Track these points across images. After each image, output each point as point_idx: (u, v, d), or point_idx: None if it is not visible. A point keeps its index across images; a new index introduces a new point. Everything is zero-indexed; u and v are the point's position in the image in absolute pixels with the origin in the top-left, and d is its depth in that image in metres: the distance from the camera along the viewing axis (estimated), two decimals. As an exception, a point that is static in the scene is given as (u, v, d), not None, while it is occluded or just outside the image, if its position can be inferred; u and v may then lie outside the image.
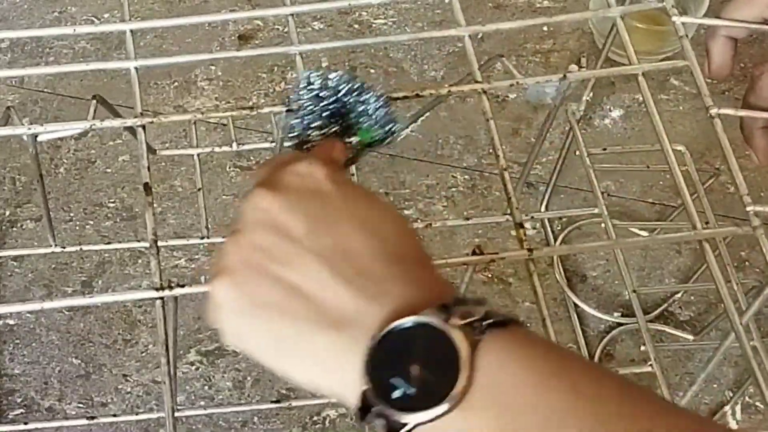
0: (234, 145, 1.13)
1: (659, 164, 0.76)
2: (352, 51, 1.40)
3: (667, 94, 1.36)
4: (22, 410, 1.15)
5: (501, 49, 1.36)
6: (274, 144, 0.93)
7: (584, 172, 1.13)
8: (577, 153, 1.13)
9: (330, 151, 0.67)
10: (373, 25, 1.44)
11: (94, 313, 1.21)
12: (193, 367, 1.18)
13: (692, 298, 1.23)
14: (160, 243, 0.71)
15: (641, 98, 0.77)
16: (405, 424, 0.50)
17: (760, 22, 0.80)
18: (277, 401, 1.02)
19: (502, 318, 0.52)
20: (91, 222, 1.27)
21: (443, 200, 1.29)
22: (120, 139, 1.32)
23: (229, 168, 1.31)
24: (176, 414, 1.02)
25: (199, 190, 1.13)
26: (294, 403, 1.06)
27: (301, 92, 0.70)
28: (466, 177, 1.30)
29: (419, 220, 1.25)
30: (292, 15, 0.82)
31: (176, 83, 1.38)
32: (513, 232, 0.72)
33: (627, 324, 1.21)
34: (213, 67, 1.39)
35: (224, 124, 1.32)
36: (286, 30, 1.41)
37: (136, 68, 0.80)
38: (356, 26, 1.44)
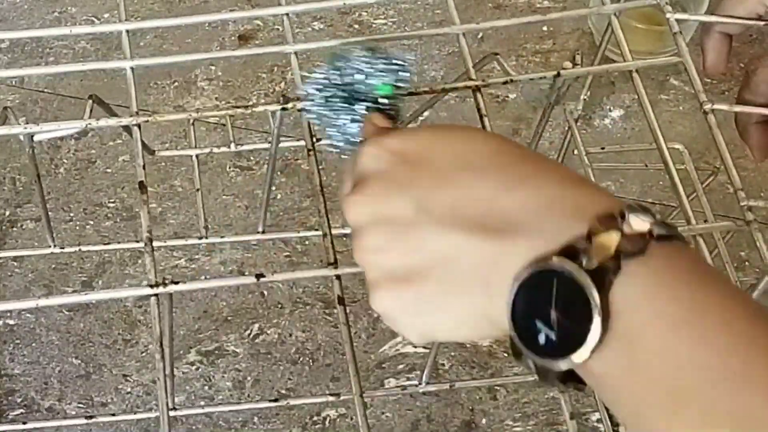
0: (232, 145, 1.13)
1: (658, 163, 0.76)
2: (351, 51, 1.40)
3: (666, 95, 1.36)
4: (22, 410, 1.15)
5: (501, 50, 1.36)
6: (269, 144, 0.93)
7: (584, 171, 1.13)
8: (576, 152, 1.13)
9: (374, 126, 0.66)
10: (373, 25, 1.44)
11: (94, 313, 1.21)
12: (193, 367, 1.18)
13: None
14: (159, 243, 0.71)
15: (638, 95, 0.77)
16: (551, 369, 0.50)
17: (755, 18, 0.80)
18: (276, 400, 1.02)
19: (638, 248, 0.49)
20: (91, 222, 1.27)
21: (443, 200, 1.29)
22: (120, 140, 1.33)
23: (229, 168, 1.31)
24: (176, 413, 1.03)
25: (197, 190, 1.13)
26: (293, 402, 1.06)
27: (314, 101, 0.70)
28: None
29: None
30: (287, 15, 0.83)
31: (176, 83, 1.38)
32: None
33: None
34: (213, 68, 1.39)
35: (224, 125, 1.32)
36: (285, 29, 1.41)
37: (132, 68, 0.80)
38: (356, 26, 1.44)
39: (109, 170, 1.31)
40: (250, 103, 1.36)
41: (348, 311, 0.69)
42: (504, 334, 0.53)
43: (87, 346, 1.19)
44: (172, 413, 0.70)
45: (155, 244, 0.71)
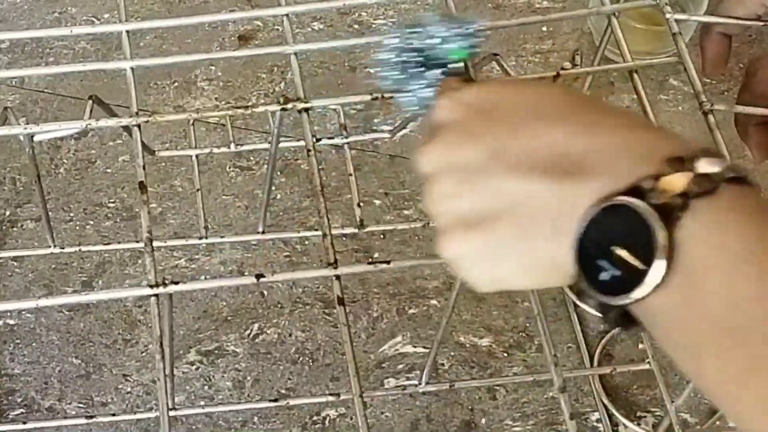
0: (232, 145, 1.13)
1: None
2: (351, 51, 1.41)
3: (666, 95, 1.36)
4: (22, 410, 1.15)
5: (501, 50, 1.36)
6: (270, 144, 0.94)
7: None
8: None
9: (449, 87, 0.67)
10: (373, 26, 1.44)
11: (94, 313, 1.21)
12: (193, 367, 1.18)
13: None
14: (159, 243, 0.71)
15: (637, 95, 0.77)
16: (614, 306, 0.51)
17: (754, 19, 0.80)
18: (276, 400, 1.02)
19: (707, 189, 0.50)
20: (91, 222, 1.27)
21: (443, 200, 1.29)
22: (120, 140, 1.33)
23: (229, 168, 1.31)
24: (176, 413, 1.03)
25: (197, 190, 1.13)
26: (292, 402, 1.06)
27: (388, 66, 0.70)
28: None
29: (418, 220, 1.25)
30: (287, 15, 0.83)
31: (176, 83, 1.38)
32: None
33: (626, 324, 1.21)
34: (213, 68, 1.39)
35: (224, 125, 1.32)
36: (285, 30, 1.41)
37: (132, 68, 0.81)
38: (356, 26, 1.44)
39: (109, 170, 1.31)
40: (250, 103, 1.36)
41: (347, 311, 0.69)
42: (567, 279, 0.54)
43: (87, 345, 1.19)
44: (172, 413, 0.71)
45: (155, 244, 0.71)
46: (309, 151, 0.75)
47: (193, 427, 1.14)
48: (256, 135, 1.33)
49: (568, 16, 0.86)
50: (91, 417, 1.00)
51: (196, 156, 1.14)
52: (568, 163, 0.54)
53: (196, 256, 1.25)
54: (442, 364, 1.18)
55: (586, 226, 0.52)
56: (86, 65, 0.84)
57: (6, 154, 1.31)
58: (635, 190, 0.50)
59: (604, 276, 0.51)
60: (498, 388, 1.17)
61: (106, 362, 1.18)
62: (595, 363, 1.18)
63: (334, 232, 0.72)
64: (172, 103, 1.36)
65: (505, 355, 1.19)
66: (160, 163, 1.30)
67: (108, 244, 1.23)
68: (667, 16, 0.77)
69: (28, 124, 0.79)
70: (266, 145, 1.18)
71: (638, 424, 1.15)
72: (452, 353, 1.19)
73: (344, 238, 1.25)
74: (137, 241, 1.23)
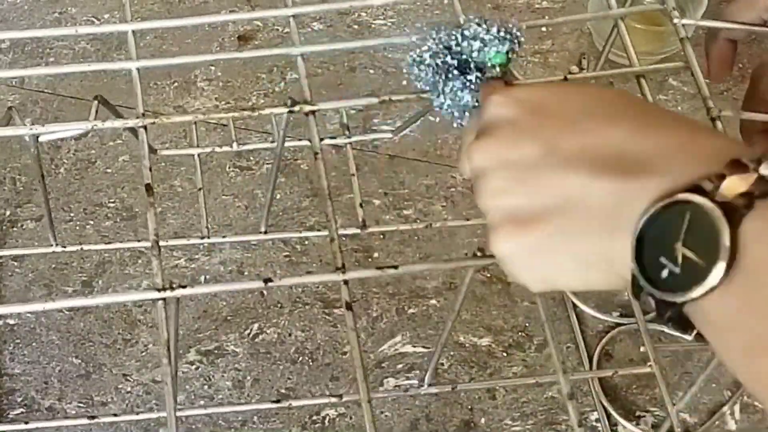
0: (234, 145, 1.13)
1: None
2: (351, 51, 1.41)
3: (665, 95, 1.36)
4: (22, 410, 1.15)
5: (500, 50, 1.36)
6: (275, 144, 0.94)
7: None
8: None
9: (492, 90, 0.66)
10: (373, 26, 1.44)
11: (94, 312, 1.21)
12: (193, 367, 1.18)
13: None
14: (161, 243, 0.71)
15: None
16: (673, 304, 0.50)
17: (760, 24, 0.80)
18: (277, 401, 1.02)
19: None
20: (92, 222, 1.27)
21: (442, 200, 1.29)
22: (120, 140, 1.33)
23: (229, 168, 1.31)
24: (178, 414, 1.03)
25: (199, 190, 1.13)
26: (294, 403, 1.06)
27: (425, 67, 0.70)
28: (466, 177, 1.30)
29: (418, 221, 1.25)
30: (293, 16, 0.83)
31: (176, 83, 1.38)
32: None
33: (626, 324, 1.21)
34: (213, 68, 1.39)
35: (224, 125, 1.32)
36: (285, 30, 1.41)
37: (138, 69, 0.80)
38: (356, 26, 1.44)
39: (109, 170, 1.31)
40: (251, 103, 1.36)
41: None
42: (618, 280, 0.54)
43: (87, 345, 1.19)
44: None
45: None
46: (316, 154, 0.75)
47: (193, 426, 1.14)
48: (256, 135, 1.33)
49: (572, 19, 0.86)
50: (93, 417, 0.99)
51: (198, 155, 1.14)
52: (627, 162, 0.53)
53: (196, 256, 1.25)
54: (442, 364, 1.18)
55: (646, 223, 0.51)
56: (90, 65, 0.84)
57: (6, 154, 1.31)
58: (697, 189, 0.50)
59: (663, 273, 0.51)
60: (497, 387, 1.18)
61: (106, 362, 1.18)
62: (594, 363, 1.19)
63: (338, 233, 0.72)
64: (172, 103, 1.36)
65: (505, 354, 1.19)
66: (160, 163, 1.29)
67: (108, 243, 1.23)
68: (675, 20, 0.77)
69: (29, 124, 0.78)
70: (268, 145, 1.18)
71: (637, 424, 1.15)
72: (452, 353, 1.19)
73: (344, 239, 1.25)
74: (137, 241, 1.23)
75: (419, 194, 1.30)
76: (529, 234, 0.56)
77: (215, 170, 1.30)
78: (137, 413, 1.14)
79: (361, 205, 1.08)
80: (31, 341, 1.19)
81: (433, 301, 1.22)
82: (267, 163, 1.31)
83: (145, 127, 0.77)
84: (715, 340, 0.51)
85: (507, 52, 0.69)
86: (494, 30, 0.68)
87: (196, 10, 1.44)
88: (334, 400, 0.97)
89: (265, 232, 1.12)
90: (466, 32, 0.68)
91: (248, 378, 1.18)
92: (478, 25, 0.68)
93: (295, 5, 0.85)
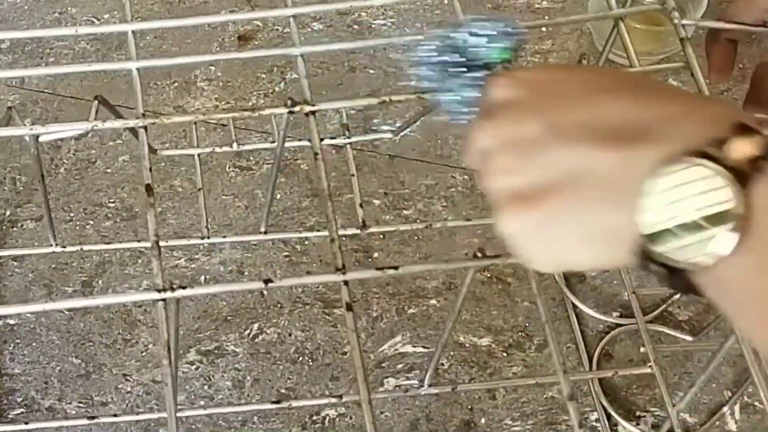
0: (234, 145, 1.13)
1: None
2: (351, 51, 1.41)
3: (665, 95, 1.36)
4: (22, 410, 1.15)
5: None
6: (275, 144, 0.94)
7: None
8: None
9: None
10: (373, 26, 1.44)
11: (94, 313, 1.21)
12: (193, 367, 1.18)
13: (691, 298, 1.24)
14: (161, 243, 0.71)
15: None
16: (683, 270, 0.50)
17: (760, 25, 0.80)
18: (277, 401, 1.02)
19: None
20: (91, 222, 1.27)
21: (442, 200, 1.29)
22: (120, 140, 1.33)
23: (229, 168, 1.31)
24: (178, 414, 1.03)
25: (199, 190, 1.13)
26: (294, 404, 1.06)
27: (428, 65, 0.70)
28: (466, 177, 1.31)
29: (419, 221, 1.25)
30: (293, 17, 0.83)
31: (176, 83, 1.38)
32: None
33: (626, 324, 1.21)
34: (213, 68, 1.39)
35: (224, 125, 1.32)
36: (285, 30, 1.41)
37: (138, 69, 0.80)
38: (355, 26, 1.44)
39: (109, 170, 1.31)
40: (251, 104, 1.36)
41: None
42: (628, 252, 0.53)
43: (87, 345, 1.19)
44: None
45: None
46: (316, 154, 0.75)
47: (193, 426, 1.14)
48: (256, 135, 1.33)
49: (573, 20, 0.86)
50: (93, 418, 0.99)
51: (198, 155, 1.14)
52: (630, 131, 0.53)
53: (196, 256, 1.25)
54: (442, 364, 1.18)
55: (653, 189, 0.50)
56: (90, 65, 0.84)
57: (6, 154, 1.31)
58: (704, 155, 0.49)
59: (673, 240, 0.50)
60: (497, 387, 1.18)
61: (106, 362, 1.18)
62: (594, 363, 1.19)
63: (338, 234, 0.72)
64: (172, 103, 1.36)
65: (505, 354, 1.19)
66: (160, 163, 1.29)
67: (108, 243, 1.23)
68: (675, 21, 0.77)
69: (29, 124, 0.78)
70: (268, 145, 1.18)
71: (637, 424, 1.15)
72: (452, 353, 1.19)
73: (344, 239, 1.25)
74: (137, 241, 1.23)
75: (419, 194, 1.30)
76: (536, 210, 0.55)
77: (215, 170, 1.30)
78: (137, 413, 1.14)
79: (361, 205, 1.08)
80: (31, 341, 1.19)
81: (433, 301, 1.22)
82: (267, 163, 1.30)
83: (145, 128, 0.77)
84: (729, 307, 0.50)
85: (512, 48, 0.68)
86: (499, 26, 0.68)
87: (196, 10, 1.44)
88: (334, 400, 0.98)
89: (265, 232, 1.12)
90: (472, 30, 0.68)
91: (248, 378, 1.18)
92: (483, 22, 0.68)
93: (295, 5, 0.85)
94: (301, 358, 1.19)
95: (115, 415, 1.12)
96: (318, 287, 1.23)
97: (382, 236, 1.26)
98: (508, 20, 0.69)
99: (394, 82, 1.38)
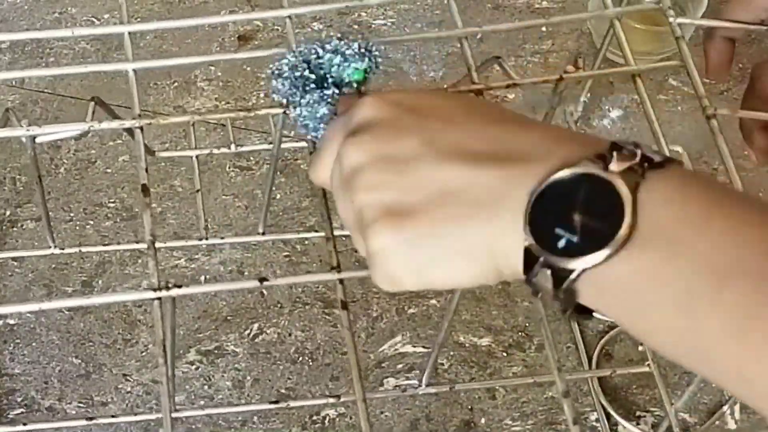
0: (233, 146, 1.13)
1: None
2: (351, 51, 1.40)
3: (665, 95, 1.36)
4: (22, 410, 1.15)
5: (500, 50, 1.36)
6: (272, 145, 0.94)
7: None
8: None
9: (348, 103, 0.66)
10: (373, 26, 1.44)
11: (94, 313, 1.21)
12: (193, 367, 1.18)
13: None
14: (159, 243, 0.71)
15: (640, 98, 0.77)
16: (572, 271, 0.50)
17: (758, 23, 0.80)
18: (277, 402, 1.02)
19: (660, 159, 0.51)
20: (91, 222, 1.27)
21: (442, 200, 1.29)
22: (120, 140, 1.33)
23: (229, 168, 1.31)
24: (177, 414, 1.03)
25: (198, 191, 1.13)
26: (293, 404, 1.06)
27: (283, 79, 0.71)
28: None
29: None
30: (290, 17, 0.83)
31: (176, 83, 1.38)
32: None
33: (626, 324, 1.21)
34: (213, 68, 1.39)
35: (223, 125, 1.32)
36: (285, 30, 1.41)
37: (134, 70, 0.80)
38: (355, 27, 1.44)
39: (109, 170, 1.31)
40: (251, 104, 1.36)
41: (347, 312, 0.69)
42: (506, 273, 0.54)
43: (87, 345, 1.19)
44: (173, 414, 0.71)
45: (156, 245, 0.71)
46: (311, 153, 0.75)
47: (193, 426, 1.14)
48: (255, 135, 1.33)
49: (570, 19, 0.86)
50: (92, 418, 0.99)
51: (196, 156, 1.14)
52: (506, 153, 0.54)
53: (196, 256, 1.25)
54: (442, 364, 1.18)
55: (536, 199, 0.51)
56: (88, 66, 0.84)
57: (6, 154, 1.31)
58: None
59: (561, 243, 0.50)
60: (497, 387, 1.18)
61: (106, 362, 1.18)
62: (594, 363, 1.19)
63: (334, 233, 0.72)
64: (172, 103, 1.36)
65: (505, 354, 1.19)
66: (160, 163, 1.30)
67: (108, 244, 1.23)
68: (671, 19, 0.77)
69: (28, 124, 0.78)
70: (266, 146, 1.18)
71: (637, 424, 1.15)
72: (452, 353, 1.19)
73: (344, 238, 1.24)
74: (137, 242, 1.23)
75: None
76: (405, 227, 0.55)
77: (215, 170, 1.30)
78: (137, 413, 1.14)
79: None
80: (31, 341, 1.19)
81: (433, 301, 1.22)
82: (267, 163, 1.31)
83: (141, 128, 0.77)
84: (612, 308, 0.51)
85: (365, 70, 0.70)
86: (354, 47, 0.70)
87: (196, 10, 1.44)
88: (332, 400, 0.98)
89: (263, 233, 1.12)
90: (327, 47, 0.70)
91: (248, 378, 1.18)
92: (339, 41, 0.70)
93: (294, 5, 0.85)
94: (301, 358, 1.19)
95: (114, 416, 1.12)
96: (318, 287, 1.23)
97: (381, 236, 1.26)
98: (366, 42, 0.71)
99: (394, 82, 1.38)
